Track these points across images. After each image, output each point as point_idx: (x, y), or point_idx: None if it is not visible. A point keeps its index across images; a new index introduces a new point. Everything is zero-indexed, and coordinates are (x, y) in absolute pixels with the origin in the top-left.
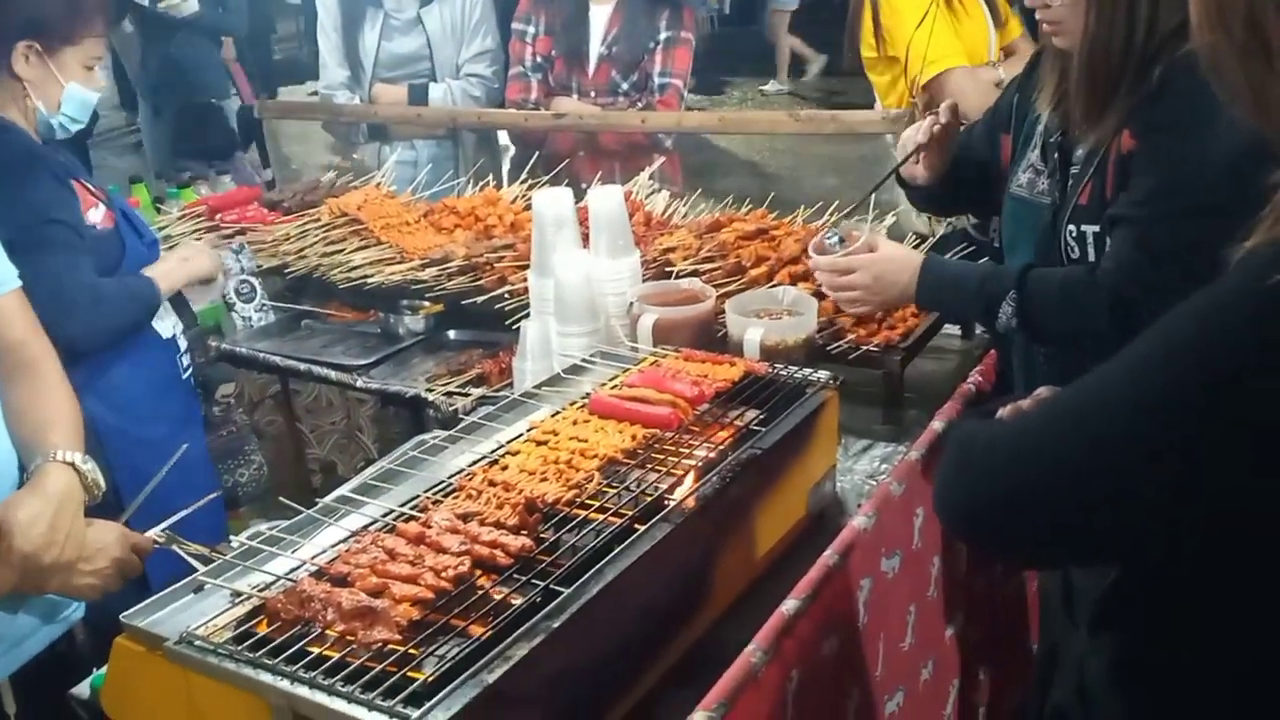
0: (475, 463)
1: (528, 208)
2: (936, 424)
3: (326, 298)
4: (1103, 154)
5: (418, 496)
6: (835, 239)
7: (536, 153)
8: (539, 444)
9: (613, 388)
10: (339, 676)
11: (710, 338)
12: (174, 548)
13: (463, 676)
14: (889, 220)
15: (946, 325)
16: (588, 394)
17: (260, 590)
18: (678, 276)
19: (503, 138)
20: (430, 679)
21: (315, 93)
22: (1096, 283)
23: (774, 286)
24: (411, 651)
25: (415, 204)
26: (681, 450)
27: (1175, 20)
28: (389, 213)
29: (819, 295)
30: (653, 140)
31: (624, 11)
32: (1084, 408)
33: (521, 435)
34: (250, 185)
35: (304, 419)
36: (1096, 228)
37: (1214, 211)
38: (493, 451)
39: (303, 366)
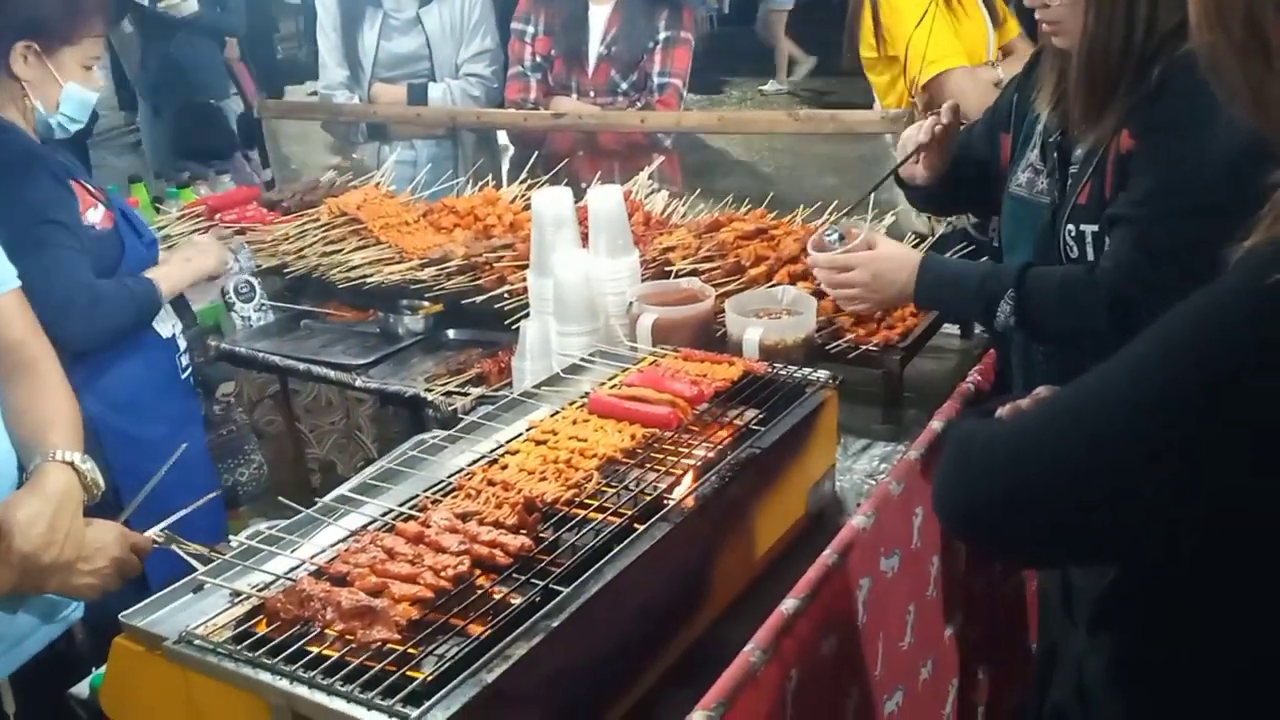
0: (474, 462)
1: (527, 207)
2: (936, 423)
3: (326, 297)
4: (1102, 153)
5: (417, 496)
6: (835, 236)
7: (536, 152)
8: (538, 443)
9: (612, 387)
10: (338, 676)
11: (709, 337)
12: (173, 547)
13: (462, 676)
14: (888, 220)
15: (946, 325)
16: (587, 393)
17: (259, 590)
18: (677, 276)
19: (502, 137)
20: (429, 678)
21: (314, 93)
22: (1095, 282)
23: (773, 286)
24: (411, 651)
25: (414, 204)
26: (681, 450)
27: (1174, 20)
28: (388, 212)
29: (818, 295)
30: (652, 140)
31: (623, 11)
32: (1083, 407)
33: (521, 435)
34: (249, 185)
35: (303, 419)
36: (1095, 227)
37: (1213, 211)
38: (492, 451)
39: (302, 366)
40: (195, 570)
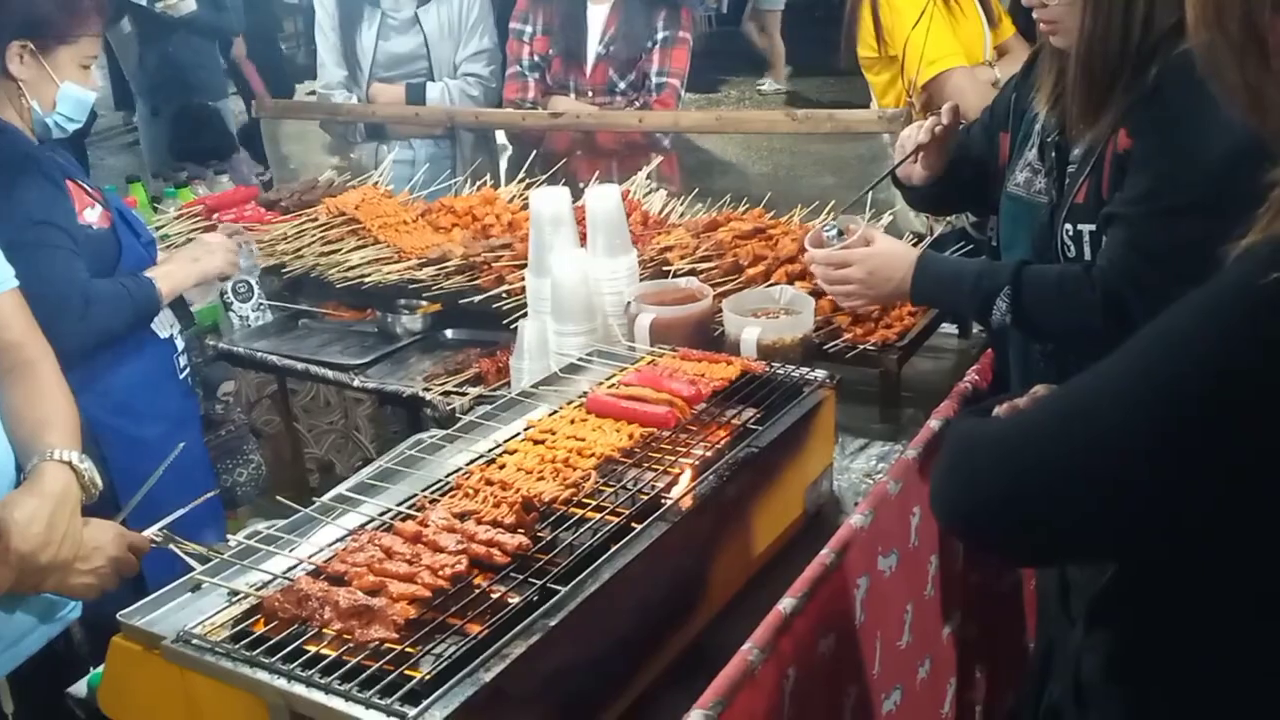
0: (472, 462)
1: (525, 207)
2: (933, 423)
3: (324, 297)
4: (1099, 153)
5: (415, 495)
6: (834, 232)
7: (534, 152)
8: (536, 443)
9: (610, 387)
10: (336, 675)
11: (707, 337)
12: (171, 547)
13: (460, 674)
14: (886, 219)
15: (944, 324)
16: (585, 393)
17: (257, 589)
18: (675, 276)
19: (500, 137)
20: (427, 677)
21: (313, 92)
22: (1091, 280)
23: (771, 285)
24: (408, 650)
25: (413, 203)
26: (678, 449)
27: (1172, 19)
28: (386, 212)
29: (816, 294)
30: (650, 139)
31: (621, 11)
32: (1081, 406)
33: (519, 434)
34: (248, 185)
35: (301, 418)
36: (1093, 226)
37: (1209, 210)
38: (490, 450)
39: (300, 366)
40: (193, 570)
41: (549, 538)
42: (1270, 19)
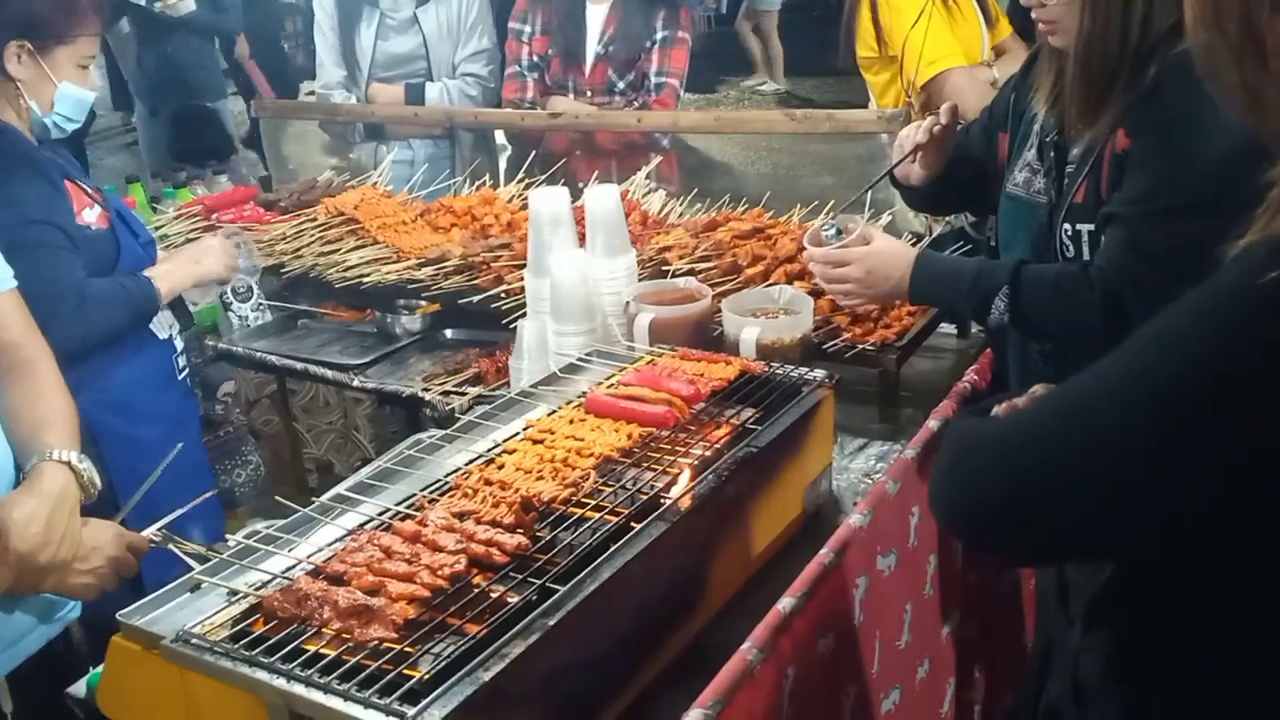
0: (471, 461)
1: (524, 207)
2: (932, 422)
3: (323, 297)
4: (1098, 152)
5: (414, 495)
6: (833, 231)
7: (533, 152)
8: (535, 443)
9: (609, 387)
10: (335, 674)
11: (706, 336)
12: (170, 546)
13: (459, 674)
14: (885, 219)
15: (943, 324)
16: (584, 393)
17: (257, 589)
18: (674, 275)
19: (499, 137)
20: (426, 676)
21: (312, 92)
22: (1089, 280)
23: (770, 285)
24: (407, 649)
25: (412, 203)
26: (677, 449)
27: (1170, 19)
28: (385, 212)
29: (815, 294)
30: (649, 139)
31: (620, 11)
32: (1079, 405)
33: (518, 434)
34: (246, 185)
35: (301, 418)
36: (1091, 226)
37: (1207, 210)
38: (489, 450)
39: (299, 366)
40: (192, 569)
41: (548, 537)
42: (1268, 19)
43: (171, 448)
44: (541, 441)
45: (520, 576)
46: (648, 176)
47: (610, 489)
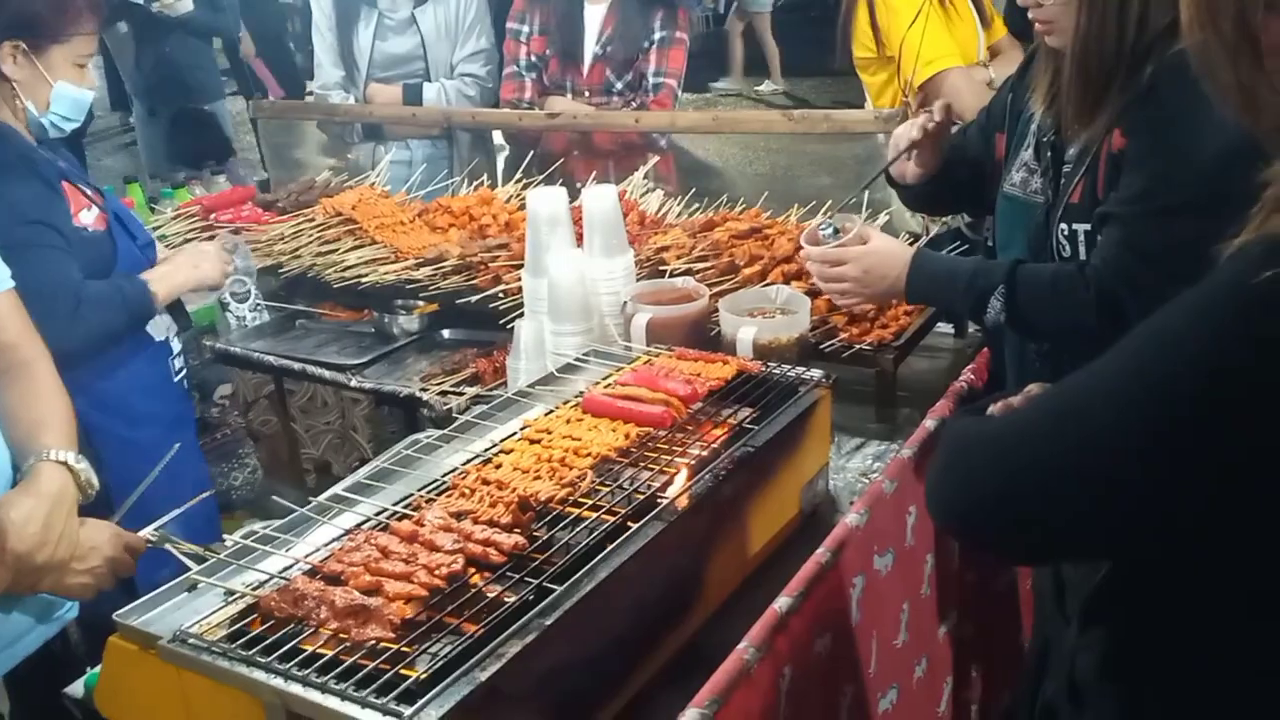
0: (469, 461)
1: (522, 207)
2: (929, 422)
3: (321, 297)
4: (1094, 152)
5: (411, 495)
6: (830, 231)
7: (531, 152)
8: (532, 442)
9: (606, 386)
10: (332, 674)
11: (704, 336)
12: (167, 546)
13: (456, 674)
14: (882, 219)
15: (939, 324)
16: (581, 393)
17: (254, 589)
18: (671, 275)
19: (497, 137)
20: (423, 676)
21: (311, 93)
22: (1085, 280)
23: (767, 285)
24: (405, 649)
25: (410, 203)
26: (674, 448)
27: (1166, 19)
28: (383, 212)
29: (812, 294)
30: (647, 139)
31: (618, 11)
32: (1075, 404)
33: (515, 434)
34: (244, 186)
35: (299, 419)
36: (1088, 226)
37: (1203, 210)
38: (486, 450)
39: (297, 366)
40: (189, 570)
41: (545, 537)
42: (1263, 19)
43: (168, 449)
44: (539, 441)
45: (517, 576)
46: (645, 176)
47: (607, 489)
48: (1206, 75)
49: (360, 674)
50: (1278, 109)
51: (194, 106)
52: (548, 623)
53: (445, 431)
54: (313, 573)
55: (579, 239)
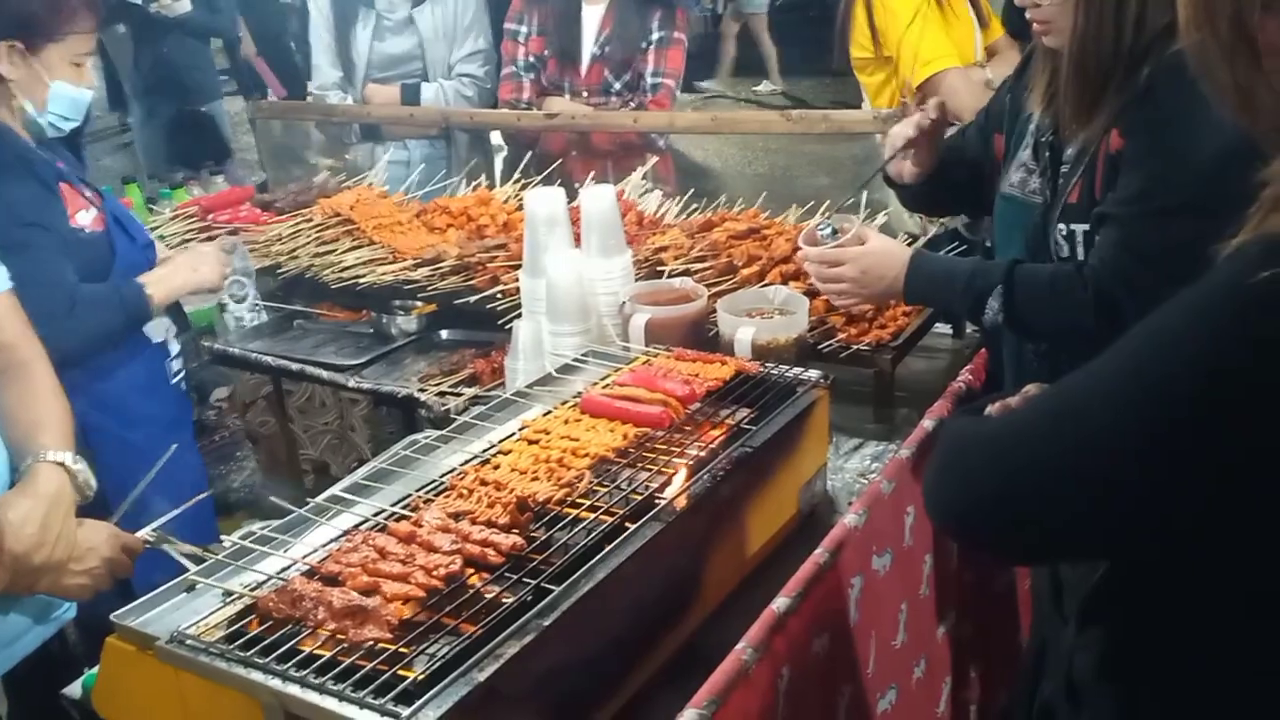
0: (467, 462)
1: (520, 207)
2: (927, 422)
3: (319, 298)
4: (1092, 153)
5: (409, 496)
6: (828, 231)
7: (529, 152)
8: (530, 443)
9: (604, 387)
10: (330, 675)
11: (702, 337)
12: (164, 547)
13: (454, 674)
14: (880, 219)
15: (938, 324)
16: (579, 393)
17: (251, 589)
18: (670, 276)
19: (495, 137)
20: (421, 677)
21: (310, 93)
22: (1083, 280)
23: (765, 286)
24: (402, 650)
25: (408, 204)
26: (673, 449)
27: (1164, 20)
28: (381, 213)
29: (810, 294)
30: (645, 140)
31: (616, 11)
32: (1073, 405)
33: (513, 434)
34: (242, 186)
35: (296, 419)
36: (1086, 226)
37: (1200, 210)
38: (484, 451)
39: (295, 367)
40: (186, 570)
41: (543, 538)
42: (1260, 19)
43: (165, 450)
44: (537, 442)
45: (515, 577)
46: (644, 177)
47: (605, 489)
48: (1204, 75)
49: (358, 675)
50: (1275, 109)
51: (191, 107)
52: (546, 623)
53: (443, 432)
54: (311, 573)
55: (577, 239)
